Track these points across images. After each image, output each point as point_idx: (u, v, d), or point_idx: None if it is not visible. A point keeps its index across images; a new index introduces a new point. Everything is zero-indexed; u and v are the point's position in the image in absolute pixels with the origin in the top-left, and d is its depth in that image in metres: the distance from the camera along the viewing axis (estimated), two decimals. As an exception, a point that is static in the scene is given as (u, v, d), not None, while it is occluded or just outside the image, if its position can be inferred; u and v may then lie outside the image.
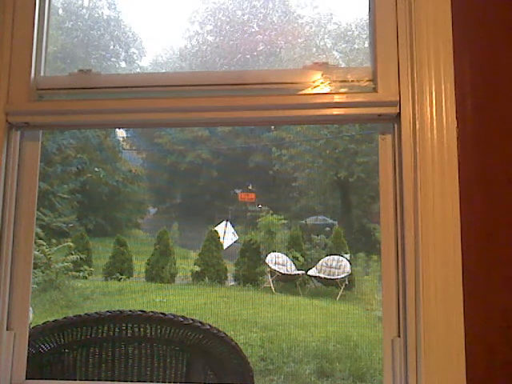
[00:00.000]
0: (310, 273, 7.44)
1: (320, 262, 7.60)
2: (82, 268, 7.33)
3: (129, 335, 1.32)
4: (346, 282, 7.15)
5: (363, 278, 7.44)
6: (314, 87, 0.98)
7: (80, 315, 1.30)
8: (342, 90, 0.97)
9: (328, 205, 10.25)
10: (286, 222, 8.69)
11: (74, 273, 7.14)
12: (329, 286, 7.33)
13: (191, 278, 7.68)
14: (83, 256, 7.36)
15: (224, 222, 9.17)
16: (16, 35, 1.03)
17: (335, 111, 0.96)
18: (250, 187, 10.71)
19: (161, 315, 1.30)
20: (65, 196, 9.09)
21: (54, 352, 1.30)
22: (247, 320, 5.58)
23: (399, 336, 0.92)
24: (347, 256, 7.65)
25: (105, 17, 9.70)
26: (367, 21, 1.02)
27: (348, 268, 7.30)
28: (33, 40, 1.03)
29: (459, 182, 0.88)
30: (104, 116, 1.02)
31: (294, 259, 7.73)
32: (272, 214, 8.65)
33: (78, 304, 6.26)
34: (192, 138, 10.77)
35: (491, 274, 0.87)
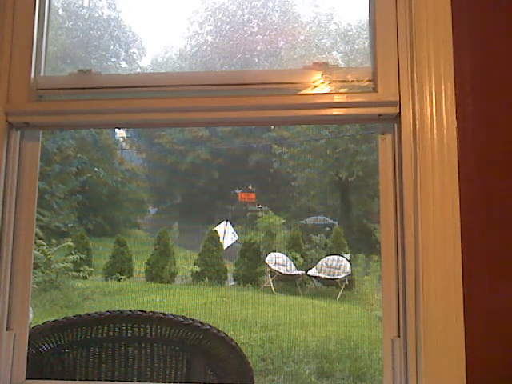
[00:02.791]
0: (309, 273, 7.44)
1: (320, 262, 7.60)
2: (81, 268, 7.33)
3: (129, 335, 1.32)
4: (346, 282, 7.16)
5: (363, 278, 7.44)
6: (314, 87, 0.98)
7: (80, 315, 1.30)
8: (342, 90, 0.97)
9: (328, 205, 10.25)
10: (285, 221, 8.69)
11: (73, 273, 7.14)
12: (329, 286, 7.33)
13: (191, 277, 7.68)
14: (83, 256, 7.36)
15: (224, 222, 9.17)
16: (16, 35, 1.03)
17: (335, 111, 0.96)
18: (250, 187, 10.70)
19: (161, 315, 1.30)
20: (64, 196, 9.09)
21: (54, 352, 1.30)
22: (247, 320, 5.58)
23: (399, 336, 0.92)
24: (347, 256, 7.65)
25: (105, 17, 9.70)
26: (367, 21, 1.02)
27: (348, 268, 7.30)
28: (33, 40, 1.03)
29: (459, 181, 0.88)
30: (104, 116, 1.02)
31: (294, 259, 7.73)
32: (272, 214, 8.66)
33: (78, 304, 6.26)
34: (192, 138, 10.76)
35: (491, 273, 0.87)
